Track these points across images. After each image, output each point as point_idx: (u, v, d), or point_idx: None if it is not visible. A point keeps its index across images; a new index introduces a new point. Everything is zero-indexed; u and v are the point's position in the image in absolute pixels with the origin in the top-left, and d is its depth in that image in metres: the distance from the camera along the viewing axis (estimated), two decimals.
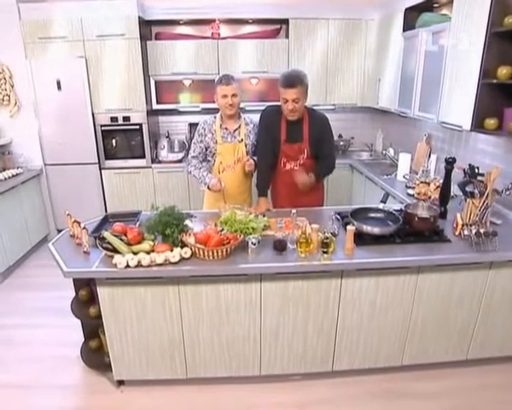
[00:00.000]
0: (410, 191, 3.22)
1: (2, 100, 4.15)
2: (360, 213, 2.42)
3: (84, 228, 2.15)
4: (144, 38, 4.24)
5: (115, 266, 1.95)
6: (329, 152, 2.76)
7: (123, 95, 4.21)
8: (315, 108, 2.80)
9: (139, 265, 1.96)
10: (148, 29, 4.53)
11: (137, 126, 4.32)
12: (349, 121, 4.99)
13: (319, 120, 2.67)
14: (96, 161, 4.37)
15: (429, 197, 3.01)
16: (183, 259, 2.00)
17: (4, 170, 4.09)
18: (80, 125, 4.22)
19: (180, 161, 4.52)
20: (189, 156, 2.88)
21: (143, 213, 2.60)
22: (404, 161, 3.64)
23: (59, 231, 4.61)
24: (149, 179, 4.49)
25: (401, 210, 2.60)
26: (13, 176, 4.04)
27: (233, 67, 4.34)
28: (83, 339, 2.59)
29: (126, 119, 4.28)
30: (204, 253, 1.99)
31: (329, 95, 4.59)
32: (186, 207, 4.46)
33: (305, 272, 2.08)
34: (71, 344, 2.70)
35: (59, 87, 4.08)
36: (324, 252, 2.04)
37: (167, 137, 4.74)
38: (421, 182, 3.12)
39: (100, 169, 4.42)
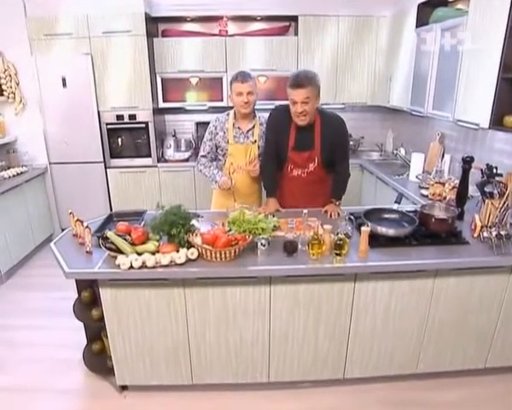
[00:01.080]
0: (424, 192, 3.11)
1: (8, 97, 4.10)
2: (374, 214, 2.32)
3: (86, 227, 2.07)
4: (151, 34, 4.18)
5: (118, 266, 1.87)
6: (342, 158, 2.59)
7: (129, 92, 4.15)
8: (324, 107, 2.65)
9: (143, 266, 1.87)
10: (155, 26, 4.46)
11: (143, 125, 4.25)
12: (359, 121, 4.88)
13: (333, 124, 2.49)
14: (102, 159, 4.31)
15: (444, 198, 2.92)
16: (189, 260, 1.92)
17: (9, 168, 4.04)
18: (86, 123, 4.16)
19: (187, 160, 4.45)
20: (199, 155, 2.81)
21: (148, 213, 2.52)
22: (417, 161, 3.53)
23: (63, 230, 4.52)
24: (155, 179, 4.43)
25: (416, 211, 2.51)
26: (17, 174, 3.98)
27: (241, 64, 4.25)
28: (85, 342, 2.51)
29: (132, 117, 4.21)
30: (211, 254, 1.90)
31: (339, 94, 4.49)
32: (192, 207, 4.34)
33: (317, 275, 1.98)
34: (73, 346, 2.62)
35: (64, 84, 4.02)
36: (337, 254, 1.94)
37: (174, 135, 4.66)
38: (436, 182, 3.03)
39: (105, 168, 4.36)
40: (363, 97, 4.53)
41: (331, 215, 2.53)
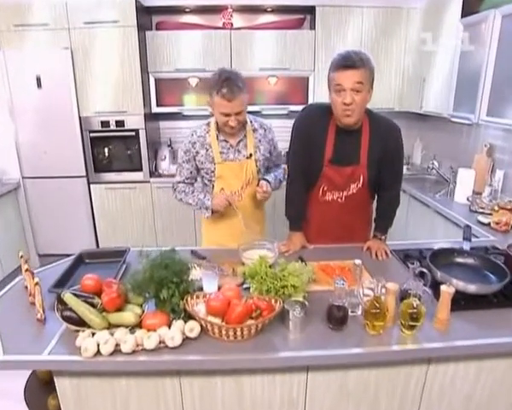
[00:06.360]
0: (482, 219, 2.47)
1: None
2: (439, 258, 1.69)
3: (36, 284, 1.41)
4: (143, 27, 3.60)
5: (79, 351, 1.22)
6: (394, 179, 1.95)
7: (116, 95, 3.57)
8: None
9: (117, 350, 1.23)
10: (148, 18, 3.88)
11: (133, 133, 3.68)
12: None
13: (386, 130, 1.84)
14: (84, 173, 3.73)
15: None
16: (187, 338, 1.27)
17: None
18: (65, 130, 3.57)
19: None
20: (175, 181, 2.16)
21: (132, 250, 1.88)
22: (466, 179, 2.90)
23: (40, 256, 3.92)
24: (147, 196, 3.82)
25: (487, 249, 1.89)
26: None
27: (248, 63, 3.69)
28: None
29: (120, 123, 3.63)
30: (221, 331, 1.25)
31: None
32: (191, 231, 3.79)
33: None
34: None
35: (39, 85, 3.43)
36: (407, 327, 1.30)
37: (169, 145, 4.07)
38: (501, 208, 2.40)
39: (88, 183, 3.77)
40: (390, 102, 3.93)
41: (377, 255, 1.90)
